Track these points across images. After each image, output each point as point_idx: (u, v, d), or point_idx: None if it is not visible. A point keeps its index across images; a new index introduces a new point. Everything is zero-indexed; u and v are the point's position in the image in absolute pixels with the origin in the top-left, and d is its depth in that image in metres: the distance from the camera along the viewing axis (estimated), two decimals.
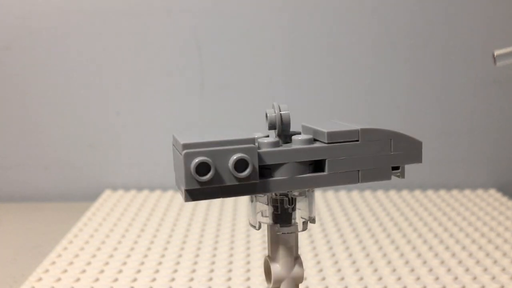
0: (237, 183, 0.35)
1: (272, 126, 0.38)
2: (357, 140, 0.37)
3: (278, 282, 0.40)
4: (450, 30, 0.97)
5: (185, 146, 0.34)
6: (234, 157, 0.34)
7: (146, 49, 0.98)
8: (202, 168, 0.34)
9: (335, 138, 0.37)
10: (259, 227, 0.40)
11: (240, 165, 0.34)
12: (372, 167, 0.38)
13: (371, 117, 0.99)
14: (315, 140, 0.38)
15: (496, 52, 0.41)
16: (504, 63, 0.40)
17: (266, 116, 0.38)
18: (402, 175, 0.39)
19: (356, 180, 0.38)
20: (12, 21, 0.96)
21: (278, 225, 0.39)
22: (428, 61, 0.98)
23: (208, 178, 0.34)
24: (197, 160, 0.34)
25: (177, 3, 0.96)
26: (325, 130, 0.37)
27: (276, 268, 0.40)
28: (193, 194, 0.35)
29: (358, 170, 0.38)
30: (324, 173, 0.37)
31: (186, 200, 0.35)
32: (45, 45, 0.97)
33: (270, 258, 0.40)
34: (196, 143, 0.34)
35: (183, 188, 0.34)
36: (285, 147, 0.37)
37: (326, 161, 0.37)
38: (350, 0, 0.96)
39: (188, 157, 0.34)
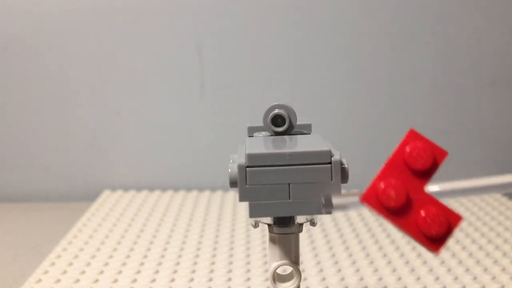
0: None
1: (287, 124, 0.38)
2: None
3: None
4: (450, 30, 0.97)
5: (329, 152, 0.34)
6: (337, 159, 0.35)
7: (146, 49, 0.98)
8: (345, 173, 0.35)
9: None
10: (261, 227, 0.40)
11: None
12: None
13: (372, 117, 0.99)
14: None
15: None
16: None
17: (278, 116, 0.38)
18: None
19: None
20: (12, 20, 0.96)
21: (284, 226, 0.39)
22: (428, 61, 0.98)
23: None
24: (345, 164, 0.34)
25: (177, 3, 0.96)
26: (309, 122, 0.41)
27: (297, 268, 0.39)
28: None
29: None
30: None
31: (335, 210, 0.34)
32: (45, 45, 0.97)
33: (292, 263, 0.39)
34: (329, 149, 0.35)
35: (333, 199, 0.33)
36: None
37: None
38: (350, 0, 0.96)
39: (337, 163, 0.34)
